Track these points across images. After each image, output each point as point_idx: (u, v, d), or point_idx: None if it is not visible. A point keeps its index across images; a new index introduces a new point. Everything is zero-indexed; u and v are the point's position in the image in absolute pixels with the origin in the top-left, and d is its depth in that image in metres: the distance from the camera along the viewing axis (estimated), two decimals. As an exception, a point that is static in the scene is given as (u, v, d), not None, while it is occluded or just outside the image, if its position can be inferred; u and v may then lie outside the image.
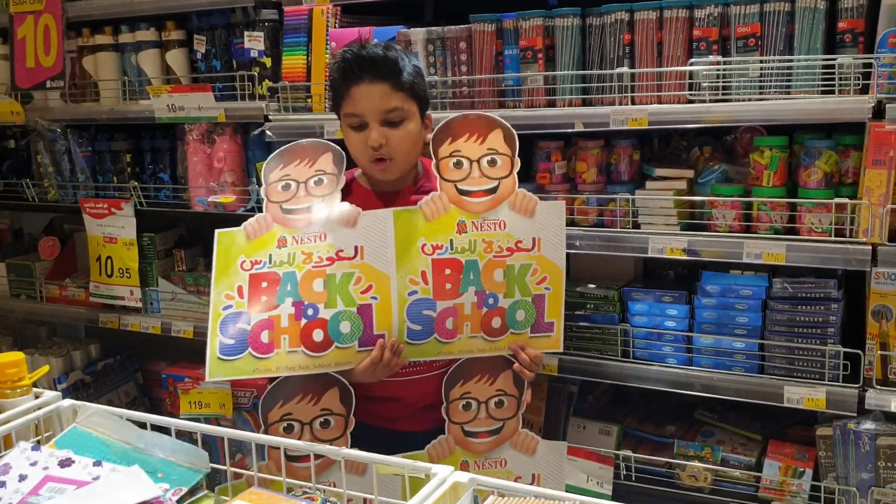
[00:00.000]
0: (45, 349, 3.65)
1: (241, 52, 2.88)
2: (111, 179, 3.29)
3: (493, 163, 1.99)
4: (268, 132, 2.79)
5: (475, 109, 2.53)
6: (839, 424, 2.22)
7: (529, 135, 2.56)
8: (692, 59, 2.27)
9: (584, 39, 2.43)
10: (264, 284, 1.91)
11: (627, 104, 2.35)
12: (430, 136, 2.07)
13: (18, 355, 1.77)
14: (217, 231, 1.95)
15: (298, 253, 1.93)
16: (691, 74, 2.27)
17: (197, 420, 2.71)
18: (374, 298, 1.93)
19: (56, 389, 2.94)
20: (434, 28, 2.58)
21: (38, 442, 1.61)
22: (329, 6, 2.73)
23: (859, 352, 2.19)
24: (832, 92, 2.13)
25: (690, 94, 2.28)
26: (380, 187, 2.09)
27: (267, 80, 2.83)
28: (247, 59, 2.87)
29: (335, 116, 2.64)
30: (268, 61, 2.84)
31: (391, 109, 1.96)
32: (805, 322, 2.26)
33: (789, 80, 2.19)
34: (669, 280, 2.61)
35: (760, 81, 2.21)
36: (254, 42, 2.82)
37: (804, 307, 2.26)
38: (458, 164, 1.99)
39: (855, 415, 2.19)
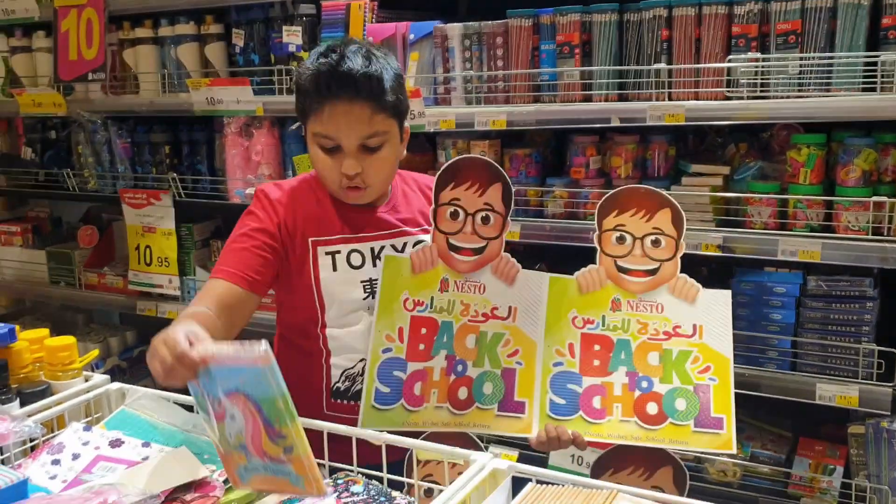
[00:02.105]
0: (83, 335, 3.74)
1: (279, 47, 2.92)
2: (150, 170, 3.35)
3: (657, 243, 1.80)
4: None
5: (510, 104, 2.56)
6: (872, 423, 2.22)
7: (564, 129, 2.60)
8: (731, 56, 2.27)
9: (622, 35, 2.44)
10: (423, 331, 1.81)
11: (664, 100, 2.36)
12: (404, 151, 1.88)
13: (70, 339, 1.84)
14: (385, 254, 1.83)
15: (458, 302, 1.82)
16: (729, 71, 2.28)
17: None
18: (519, 364, 1.82)
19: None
20: (471, 23, 2.60)
21: (89, 423, 1.67)
22: (366, 1, 2.76)
23: (894, 350, 2.19)
24: (873, 89, 2.12)
25: (728, 91, 2.28)
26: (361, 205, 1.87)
27: (305, 74, 2.87)
28: (285, 53, 2.90)
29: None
30: (305, 55, 2.87)
31: (371, 135, 1.72)
32: (839, 320, 2.26)
33: (829, 78, 2.19)
34: (703, 276, 2.61)
35: (800, 79, 2.21)
36: (291, 37, 2.86)
37: (839, 305, 2.26)
38: (621, 240, 1.81)
39: (889, 413, 2.19)
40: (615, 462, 1.81)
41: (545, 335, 1.81)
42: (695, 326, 1.78)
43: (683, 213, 1.79)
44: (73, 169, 3.52)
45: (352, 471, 1.49)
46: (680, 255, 1.80)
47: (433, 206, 1.79)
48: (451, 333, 1.81)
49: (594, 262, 2.27)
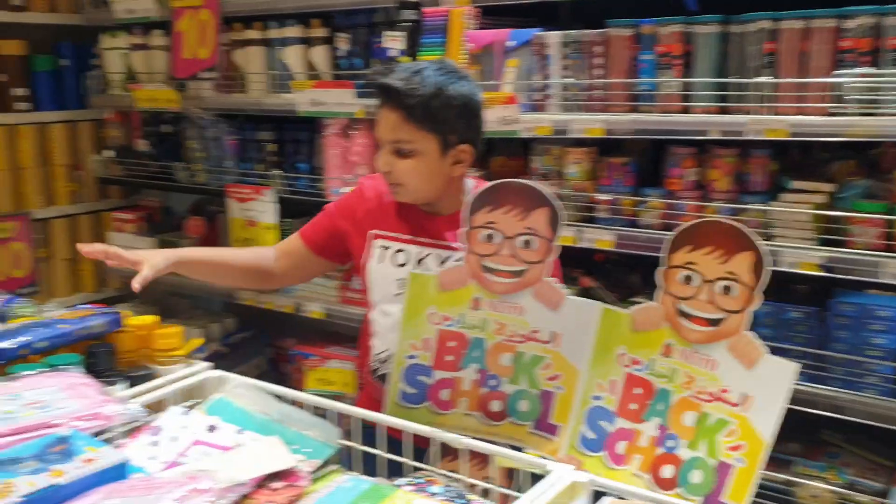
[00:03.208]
0: (187, 320, 3.91)
1: (381, 52, 2.98)
2: (254, 167, 3.48)
3: (728, 290, 1.57)
4: (403, 128, 2.88)
5: (608, 112, 2.55)
6: (977, 457, 2.12)
7: (662, 140, 2.57)
8: (839, 71, 2.20)
9: (724, 47, 2.40)
10: (451, 343, 1.81)
11: (766, 114, 2.30)
12: (464, 168, 2.00)
13: (177, 328, 1.95)
14: (411, 272, 1.84)
15: (492, 321, 1.79)
16: (837, 86, 2.21)
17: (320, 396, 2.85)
18: (560, 388, 1.77)
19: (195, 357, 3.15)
20: (570, 32, 2.61)
21: (190, 407, 1.76)
22: (469, 8, 2.80)
23: None
24: None
25: (834, 107, 2.21)
26: (427, 209, 2.04)
27: (405, 78, 2.93)
28: (385, 57, 2.97)
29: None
30: (406, 60, 2.94)
31: (397, 140, 1.92)
32: (946, 348, 2.17)
33: (944, 96, 2.10)
34: (798, 295, 2.54)
35: (912, 96, 2.13)
36: (393, 42, 2.92)
37: (945, 332, 2.17)
38: (688, 280, 1.61)
39: None
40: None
41: (590, 366, 1.73)
42: (744, 396, 1.56)
43: (768, 258, 1.53)
44: (183, 162, 3.69)
45: (431, 472, 1.52)
46: (753, 308, 1.55)
47: (466, 227, 1.76)
48: (483, 349, 1.79)
49: None
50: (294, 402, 1.70)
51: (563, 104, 2.63)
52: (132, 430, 1.55)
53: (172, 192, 4.11)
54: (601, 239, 2.59)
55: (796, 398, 2.28)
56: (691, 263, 1.59)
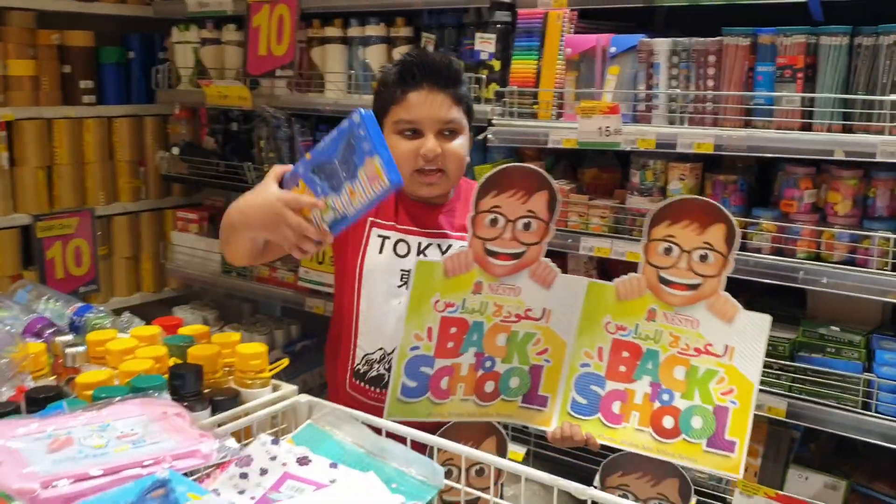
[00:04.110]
0: (249, 325, 3.81)
1: (470, 54, 2.85)
2: (327, 169, 3.36)
3: (704, 258, 1.78)
4: (490, 136, 2.75)
5: (717, 127, 2.39)
6: None
7: (779, 159, 2.40)
8: None
9: (851, 60, 2.23)
10: (453, 330, 1.86)
11: (898, 134, 2.13)
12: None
13: (262, 347, 1.79)
14: (418, 259, 1.86)
15: (491, 304, 1.86)
16: (983, 107, 2.03)
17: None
18: (547, 361, 1.89)
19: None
20: (680, 39, 2.44)
21: (276, 434, 1.64)
22: (566, 10, 2.65)
23: None
24: None
25: (979, 129, 2.03)
26: (428, 199, 1.99)
27: (494, 84, 2.79)
28: (475, 60, 2.83)
29: (562, 124, 2.62)
30: (497, 64, 2.80)
31: (450, 121, 1.90)
32: None
33: None
34: (919, 329, 2.37)
35: None
36: (484, 44, 2.78)
37: None
38: (669, 251, 1.79)
39: None
40: (625, 465, 1.85)
41: (577, 337, 1.86)
42: (727, 347, 1.77)
43: (738, 230, 1.74)
44: (252, 162, 3.58)
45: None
46: (727, 272, 1.75)
47: (472, 212, 1.79)
48: (482, 332, 1.86)
49: (803, 303, 2.32)
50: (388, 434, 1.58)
51: (669, 116, 2.47)
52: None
53: (238, 193, 4.00)
54: (705, 261, 2.42)
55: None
56: (671, 237, 1.78)
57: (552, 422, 1.87)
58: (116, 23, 4.01)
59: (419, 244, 1.96)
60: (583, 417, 1.85)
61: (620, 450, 1.83)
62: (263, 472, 1.46)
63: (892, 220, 2.27)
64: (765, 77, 2.32)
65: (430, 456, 1.62)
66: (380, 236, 1.96)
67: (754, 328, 1.77)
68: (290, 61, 3.27)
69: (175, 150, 3.89)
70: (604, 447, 1.84)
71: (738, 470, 1.74)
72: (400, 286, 1.95)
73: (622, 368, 1.84)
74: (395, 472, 1.45)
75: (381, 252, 1.95)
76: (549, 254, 2.39)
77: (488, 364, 1.88)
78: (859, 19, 2.22)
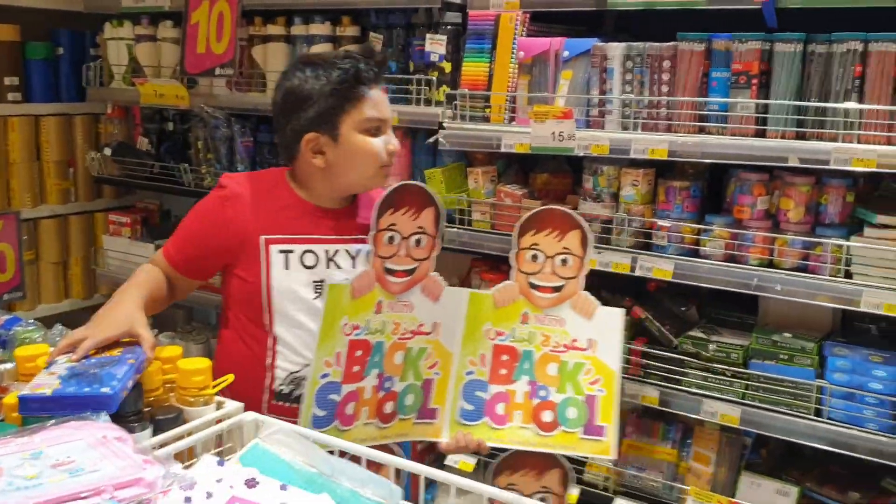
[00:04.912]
0: (185, 333, 3.67)
1: (420, 55, 2.78)
2: (269, 171, 3.25)
3: (565, 262, 1.99)
4: (441, 139, 2.68)
5: (671, 133, 2.37)
6: None
7: (732, 165, 2.39)
8: (937, 99, 2.04)
9: (805, 67, 2.23)
10: (358, 353, 1.89)
11: (852, 142, 2.13)
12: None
13: (205, 362, 1.69)
14: (327, 282, 1.88)
15: (390, 322, 1.92)
16: (933, 115, 2.05)
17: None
18: (437, 374, 1.97)
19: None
20: (635, 44, 2.42)
21: (220, 454, 1.54)
22: (519, 13, 2.60)
23: None
24: None
25: (930, 138, 2.05)
26: (323, 203, 1.97)
27: (445, 86, 2.72)
28: (425, 62, 2.76)
29: (515, 128, 2.57)
30: (447, 66, 2.73)
31: (390, 118, 1.98)
32: None
33: None
34: (873, 336, 2.38)
35: None
36: (435, 45, 2.71)
37: None
38: (535, 258, 1.99)
39: None
40: (511, 465, 2.01)
41: (462, 346, 1.98)
42: (590, 340, 1.98)
43: (592, 235, 1.98)
44: (189, 163, 3.44)
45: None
46: (584, 273, 1.99)
47: (373, 231, 1.87)
48: (383, 353, 1.92)
49: (754, 310, 2.43)
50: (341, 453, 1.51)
51: (623, 121, 2.44)
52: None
53: (171, 195, 3.86)
54: (659, 268, 2.40)
55: (873, 449, 2.16)
56: (536, 245, 1.99)
57: (443, 433, 1.96)
58: (44, 17, 3.81)
59: (326, 251, 1.94)
60: (471, 423, 1.96)
61: (507, 450, 1.98)
62: (209, 495, 1.37)
63: (843, 227, 2.28)
64: (719, 83, 2.31)
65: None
66: (282, 252, 1.90)
67: (611, 321, 2.00)
68: (230, 60, 3.14)
69: (107, 151, 3.71)
70: (494, 448, 1.98)
71: (609, 452, 1.94)
72: (315, 298, 1.91)
73: (503, 371, 1.98)
74: (349, 492, 1.38)
75: (287, 268, 1.90)
76: (501, 260, 2.43)
77: (388, 384, 1.93)
78: (813, 27, 2.22)
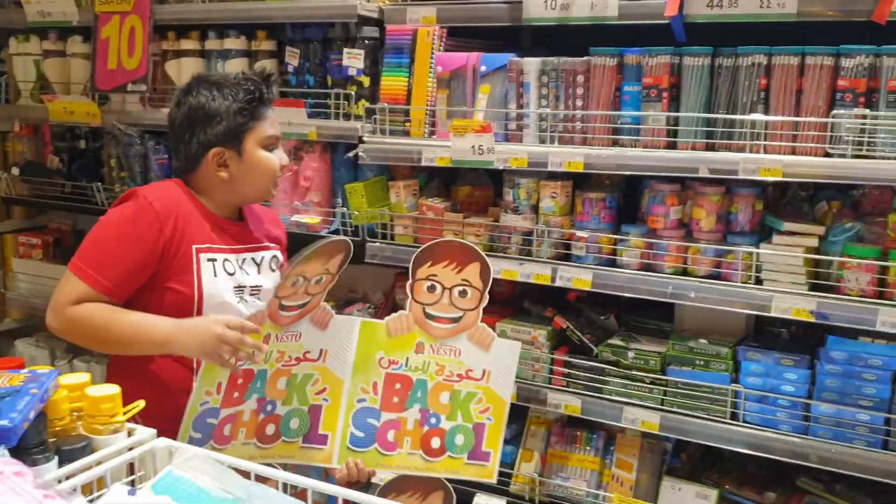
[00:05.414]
0: (101, 358, 3.55)
1: (338, 69, 2.76)
2: (186, 189, 3.17)
3: (463, 294, 2.06)
4: (361, 154, 2.67)
5: (587, 146, 2.41)
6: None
7: (646, 176, 2.44)
8: (836, 111, 2.12)
9: (713, 81, 2.29)
10: (240, 381, 1.95)
11: (758, 152, 2.21)
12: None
13: (114, 389, 1.64)
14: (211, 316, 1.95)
15: (275, 352, 1.98)
16: (832, 127, 2.13)
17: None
18: (326, 400, 2.03)
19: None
20: (549, 59, 2.45)
21: (132, 483, 1.49)
22: (436, 28, 2.61)
23: None
24: None
25: (830, 148, 2.13)
26: (224, 213, 2.07)
27: (364, 100, 2.71)
28: (343, 76, 2.75)
29: (435, 142, 2.57)
30: (366, 80, 2.72)
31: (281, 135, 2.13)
32: (941, 399, 2.11)
33: (943, 140, 2.04)
34: (784, 340, 2.46)
35: (910, 139, 2.07)
36: (353, 60, 2.70)
37: (941, 383, 2.11)
38: (432, 289, 2.07)
39: None
40: (397, 487, 2.09)
41: (352, 374, 2.03)
42: (484, 371, 2.08)
43: (492, 268, 2.07)
44: (102, 182, 3.34)
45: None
46: (482, 306, 2.07)
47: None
48: (265, 379, 1.97)
49: (671, 317, 2.51)
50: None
51: (540, 135, 2.47)
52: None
53: (85, 215, 3.73)
54: (578, 278, 2.44)
55: (787, 450, 2.22)
56: (434, 276, 2.05)
57: (333, 458, 2.03)
58: (-56, 31, 3.66)
59: (237, 259, 2.04)
60: (360, 449, 2.03)
61: (395, 474, 2.07)
62: (120, 526, 1.33)
63: (753, 234, 2.35)
64: (631, 97, 2.36)
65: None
66: (209, 260, 1.99)
67: (507, 353, 2.10)
68: (142, 75, 3.07)
69: (15, 171, 3.58)
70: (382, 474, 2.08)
71: (492, 475, 2.09)
72: (238, 303, 2.00)
73: (395, 399, 2.06)
74: (267, 518, 1.35)
75: (215, 276, 1.98)
76: None
77: (269, 408, 1.99)
78: (722, 41, 2.29)
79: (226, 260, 2.01)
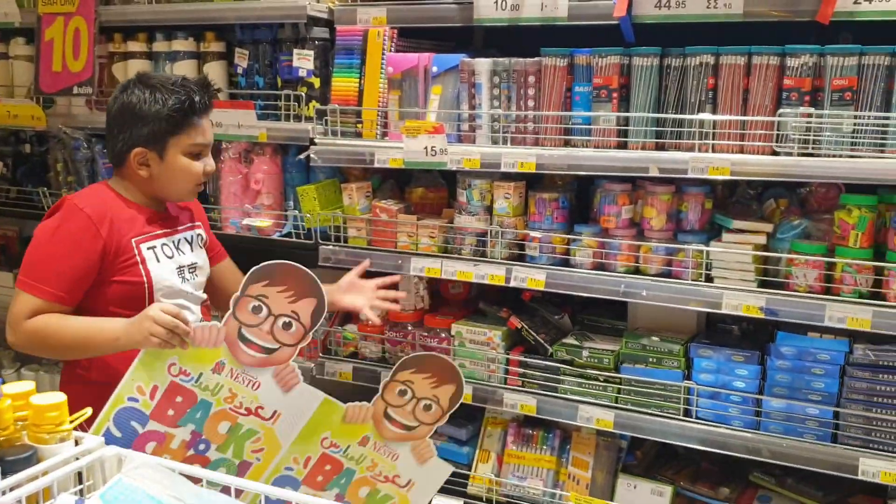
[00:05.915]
0: (50, 366, 3.48)
1: (288, 70, 2.73)
2: (135, 193, 3.11)
3: (428, 408, 2.13)
4: (313, 156, 2.64)
5: (539, 146, 2.41)
6: (917, 501, 2.11)
7: (597, 176, 2.45)
8: (782, 110, 2.16)
9: (662, 81, 2.32)
10: (179, 399, 1.89)
11: (706, 151, 2.23)
12: None
13: (60, 397, 1.60)
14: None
15: (226, 388, 1.92)
16: (779, 125, 2.16)
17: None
18: (258, 460, 2.01)
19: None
20: (501, 59, 2.45)
21: (81, 493, 1.46)
22: (386, 28, 2.59)
23: (945, 427, 2.09)
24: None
25: (777, 146, 2.16)
26: (150, 205, 2.15)
27: (315, 102, 2.69)
28: (294, 77, 2.72)
29: (388, 143, 2.56)
30: (316, 81, 2.70)
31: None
32: (886, 392, 2.14)
33: (884, 138, 2.08)
34: (735, 336, 2.49)
35: (853, 138, 2.10)
36: (303, 61, 2.67)
37: (886, 375, 2.15)
38: (403, 394, 2.11)
39: (937, 493, 2.09)
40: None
41: (293, 443, 2.01)
42: (410, 480, 2.16)
43: (464, 391, 2.16)
44: (48, 187, 3.27)
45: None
46: (442, 422, 2.16)
47: (238, 294, 1.88)
48: (207, 413, 1.91)
49: (624, 315, 2.54)
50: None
51: (493, 136, 2.47)
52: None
53: (32, 220, 3.64)
54: (533, 278, 2.44)
55: (740, 445, 2.25)
56: (409, 382, 2.11)
57: None
58: None
59: (173, 241, 2.15)
60: None
61: None
62: (67, 537, 1.30)
63: (703, 232, 2.38)
64: (582, 97, 2.37)
65: None
66: (150, 248, 2.08)
67: (437, 472, 2.20)
68: (88, 78, 3.00)
69: (-44, 176, 3.48)
70: None
71: None
72: (182, 283, 2.11)
73: (319, 478, 2.08)
74: (219, 524, 1.33)
75: (158, 261, 2.08)
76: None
77: (202, 447, 1.93)
78: (669, 42, 2.31)
79: (164, 245, 2.12)
